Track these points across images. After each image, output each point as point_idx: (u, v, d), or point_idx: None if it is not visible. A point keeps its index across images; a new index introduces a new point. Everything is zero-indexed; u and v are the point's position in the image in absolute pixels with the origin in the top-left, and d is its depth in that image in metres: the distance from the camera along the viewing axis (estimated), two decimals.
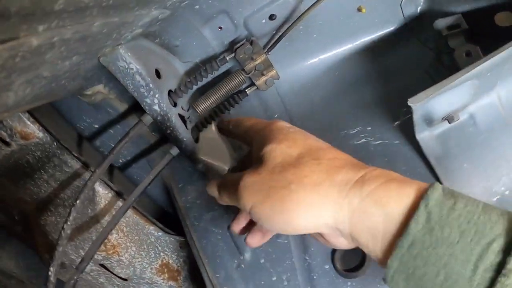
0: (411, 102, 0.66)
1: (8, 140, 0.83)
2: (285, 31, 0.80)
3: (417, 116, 0.71)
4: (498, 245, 0.38)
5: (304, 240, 0.77)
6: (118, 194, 0.90)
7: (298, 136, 0.54)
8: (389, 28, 0.86)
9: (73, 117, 0.92)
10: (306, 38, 0.85)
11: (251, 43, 0.80)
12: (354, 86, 0.85)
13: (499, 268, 0.37)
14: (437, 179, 0.75)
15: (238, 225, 0.65)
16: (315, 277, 0.75)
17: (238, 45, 0.80)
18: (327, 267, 0.75)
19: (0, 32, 0.45)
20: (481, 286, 0.38)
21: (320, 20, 0.84)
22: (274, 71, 0.82)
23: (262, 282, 0.78)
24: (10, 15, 0.43)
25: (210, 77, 0.83)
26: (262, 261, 0.79)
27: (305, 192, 0.48)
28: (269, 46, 0.82)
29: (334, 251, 0.75)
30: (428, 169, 0.76)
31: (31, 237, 0.93)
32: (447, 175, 0.75)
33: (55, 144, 0.84)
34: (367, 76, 0.85)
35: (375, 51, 0.86)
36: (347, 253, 0.75)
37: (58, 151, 0.85)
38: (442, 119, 0.75)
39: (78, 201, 0.76)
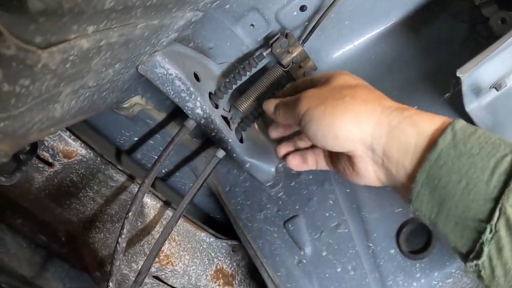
0: (460, 72, 0.63)
1: (50, 160, 0.80)
2: (318, 20, 0.76)
3: (465, 87, 0.67)
4: (511, 157, 0.43)
5: (365, 227, 0.73)
6: (167, 204, 0.87)
7: (358, 77, 0.62)
8: (420, 5, 0.81)
9: (112, 132, 0.89)
10: (338, 25, 0.82)
11: (286, 36, 0.76)
12: (393, 68, 0.81)
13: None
14: None
15: (276, 132, 0.72)
16: (381, 263, 0.70)
17: (274, 39, 0.76)
18: (392, 251, 0.70)
19: (53, 33, 0.42)
20: (497, 188, 0.42)
21: (350, 6, 0.80)
22: (311, 62, 0.79)
23: (327, 275, 0.74)
24: (63, 12, 0.40)
25: (248, 75, 0.79)
26: (324, 253, 0.75)
27: (355, 104, 0.53)
28: (304, 38, 0.78)
29: (398, 233, 0.71)
30: None
31: (79, 257, 0.90)
32: None
33: (99, 159, 0.81)
34: (403, 56, 0.81)
35: (408, 30, 0.82)
36: (411, 234, 0.70)
37: (103, 166, 0.82)
38: (490, 87, 0.71)
39: (130, 213, 0.73)
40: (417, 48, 0.81)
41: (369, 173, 0.55)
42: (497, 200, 0.42)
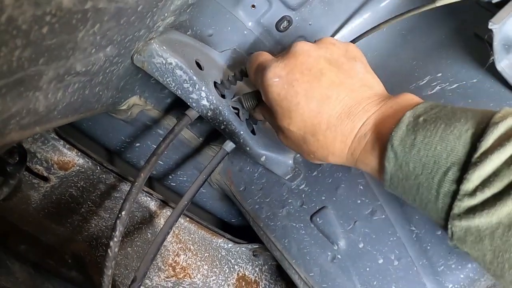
0: (493, 22, 0.54)
1: (45, 174, 0.67)
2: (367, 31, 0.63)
3: (497, 42, 0.56)
4: (452, 174, 0.39)
5: (404, 210, 0.59)
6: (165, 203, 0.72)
7: (302, 112, 0.50)
8: None
9: (112, 140, 0.76)
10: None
11: None
12: (408, 38, 0.70)
13: (455, 195, 0.39)
14: None
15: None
16: (428, 247, 0.57)
17: None
18: (439, 233, 0.56)
19: None
20: (445, 208, 0.40)
21: None
22: None
23: (368, 269, 0.59)
24: None
25: None
26: (361, 245, 0.60)
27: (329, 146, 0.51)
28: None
29: None
30: None
31: (88, 278, 0.74)
32: None
33: (98, 168, 0.67)
34: (418, 24, 0.70)
35: None
36: None
37: (103, 176, 0.68)
38: None
39: (123, 212, 0.55)
40: (432, 14, 0.68)
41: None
42: (447, 221, 0.40)
